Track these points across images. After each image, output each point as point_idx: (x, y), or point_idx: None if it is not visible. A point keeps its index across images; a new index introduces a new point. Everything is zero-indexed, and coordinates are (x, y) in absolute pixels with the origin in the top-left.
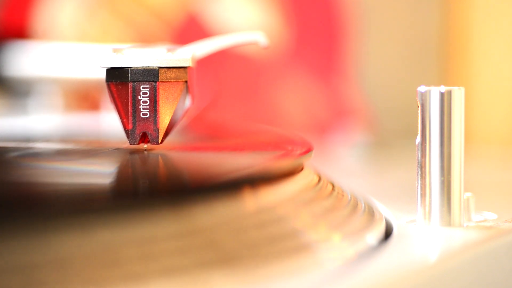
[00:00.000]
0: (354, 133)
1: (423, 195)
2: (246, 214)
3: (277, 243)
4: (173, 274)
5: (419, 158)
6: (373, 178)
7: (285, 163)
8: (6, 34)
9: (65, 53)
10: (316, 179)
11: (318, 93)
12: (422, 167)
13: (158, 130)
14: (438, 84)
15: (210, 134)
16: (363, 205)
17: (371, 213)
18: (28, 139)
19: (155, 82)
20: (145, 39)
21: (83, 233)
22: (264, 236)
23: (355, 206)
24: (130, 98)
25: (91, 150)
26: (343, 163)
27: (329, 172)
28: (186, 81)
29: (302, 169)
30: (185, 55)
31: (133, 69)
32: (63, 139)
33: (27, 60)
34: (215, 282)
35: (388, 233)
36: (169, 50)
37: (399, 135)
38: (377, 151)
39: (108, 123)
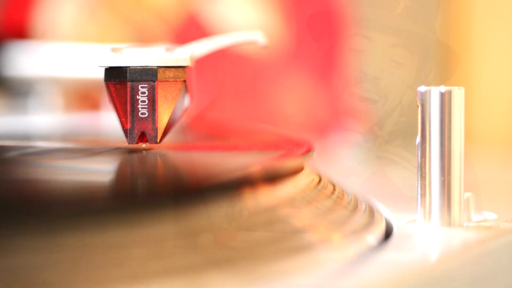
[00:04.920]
0: (354, 133)
1: (423, 195)
2: (246, 214)
3: (277, 243)
4: (173, 274)
5: (419, 158)
6: (373, 178)
7: (285, 163)
8: (6, 34)
9: (65, 53)
10: (316, 179)
11: (318, 93)
12: (422, 167)
13: (156, 129)
14: (438, 84)
15: (209, 133)
16: (363, 205)
17: (371, 213)
18: (28, 139)
19: (154, 81)
20: (145, 38)
21: (80, 232)
22: (264, 236)
23: (356, 206)
24: (128, 97)
25: (90, 149)
26: (343, 163)
27: (329, 172)
28: (184, 81)
29: (302, 169)
30: (183, 54)
31: (132, 69)
32: (62, 139)
33: (27, 60)
34: (214, 282)
35: (388, 233)
36: (167, 50)
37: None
38: (377, 151)
39: (107, 122)
